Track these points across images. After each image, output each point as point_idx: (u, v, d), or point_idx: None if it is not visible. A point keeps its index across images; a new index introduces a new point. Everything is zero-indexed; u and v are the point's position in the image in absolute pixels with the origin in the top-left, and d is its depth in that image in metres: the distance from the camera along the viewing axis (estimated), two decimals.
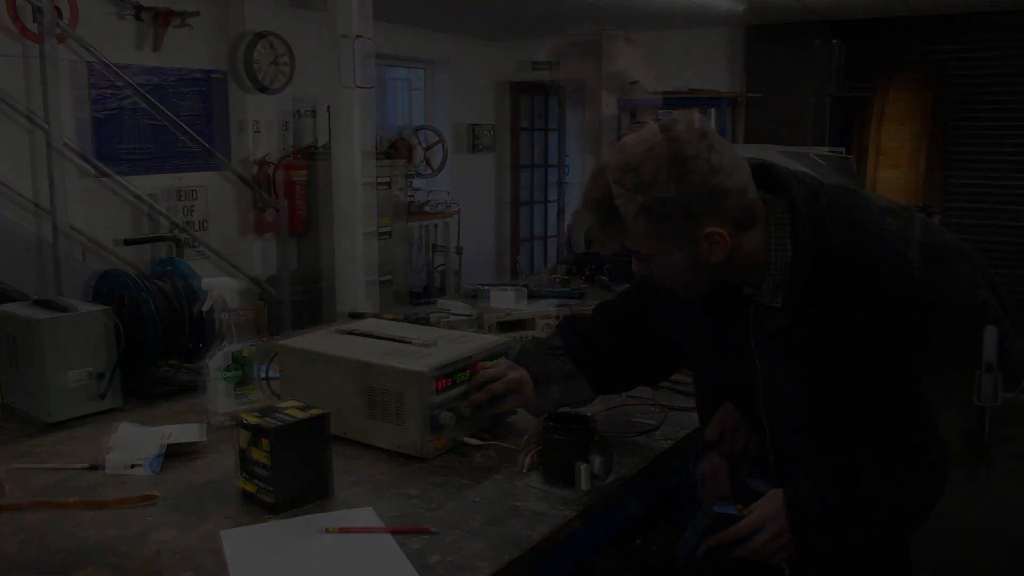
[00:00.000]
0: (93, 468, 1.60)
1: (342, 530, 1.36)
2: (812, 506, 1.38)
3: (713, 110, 7.18)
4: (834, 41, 6.78)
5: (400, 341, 1.80)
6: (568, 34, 8.23)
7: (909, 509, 1.43)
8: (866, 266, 1.35)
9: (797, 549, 1.40)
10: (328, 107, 5.40)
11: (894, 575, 1.65)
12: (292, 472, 1.44)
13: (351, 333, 1.89)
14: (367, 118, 4.96)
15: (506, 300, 3.01)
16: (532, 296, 3.10)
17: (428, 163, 7.58)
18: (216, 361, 1.82)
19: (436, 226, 7.78)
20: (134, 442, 1.63)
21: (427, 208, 7.22)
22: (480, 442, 1.72)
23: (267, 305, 5.43)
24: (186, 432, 1.71)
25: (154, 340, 2.00)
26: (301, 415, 1.46)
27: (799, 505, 1.38)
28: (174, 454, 1.65)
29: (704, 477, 1.66)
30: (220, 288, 1.88)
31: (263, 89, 5.80)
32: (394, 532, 1.35)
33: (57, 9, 4.46)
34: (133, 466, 1.58)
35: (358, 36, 4.79)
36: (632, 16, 7.15)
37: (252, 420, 1.44)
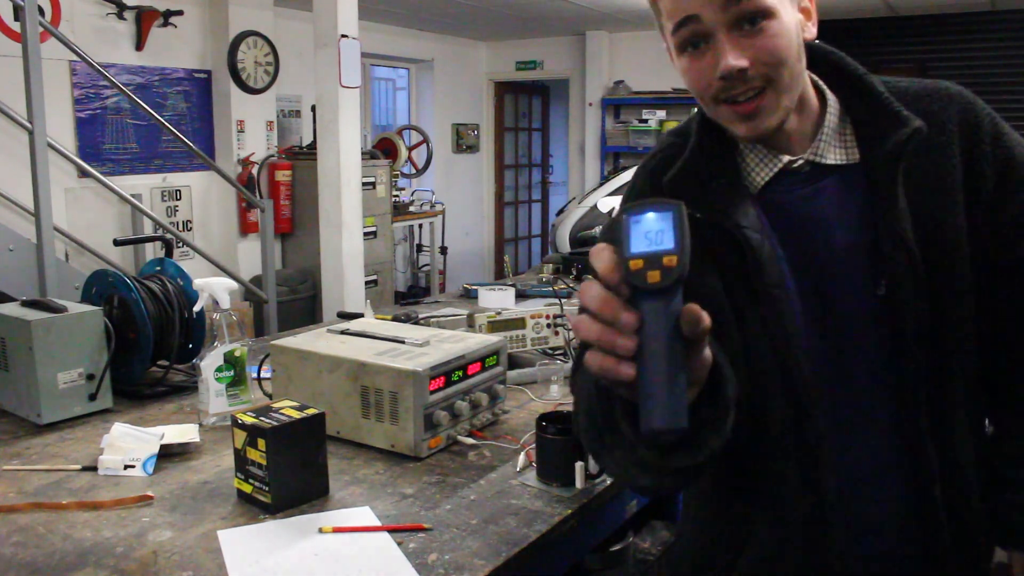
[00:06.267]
0: (86, 469, 1.59)
1: (339, 529, 1.37)
2: None
3: (696, 109, 7.18)
4: (816, 41, 6.84)
5: (394, 340, 1.81)
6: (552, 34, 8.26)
7: None
8: (950, 88, 1.17)
9: None
10: (312, 107, 5.40)
11: None
12: (289, 472, 1.44)
13: (344, 332, 1.89)
14: (352, 118, 4.96)
15: (495, 300, 3.03)
16: (519, 295, 3.12)
17: (412, 163, 7.57)
18: (208, 361, 1.81)
19: (420, 226, 7.77)
20: (127, 443, 1.63)
21: (412, 208, 7.22)
22: (474, 441, 1.73)
23: (252, 305, 5.41)
24: (180, 433, 1.70)
25: (145, 341, 1.99)
26: (297, 415, 1.46)
27: None
28: (168, 455, 1.65)
29: None
30: (213, 288, 1.87)
31: (247, 89, 5.78)
32: (391, 531, 1.36)
33: (39, 8, 4.42)
34: (127, 467, 1.58)
35: (343, 36, 4.79)
36: (616, 16, 7.17)
37: (248, 420, 1.43)
